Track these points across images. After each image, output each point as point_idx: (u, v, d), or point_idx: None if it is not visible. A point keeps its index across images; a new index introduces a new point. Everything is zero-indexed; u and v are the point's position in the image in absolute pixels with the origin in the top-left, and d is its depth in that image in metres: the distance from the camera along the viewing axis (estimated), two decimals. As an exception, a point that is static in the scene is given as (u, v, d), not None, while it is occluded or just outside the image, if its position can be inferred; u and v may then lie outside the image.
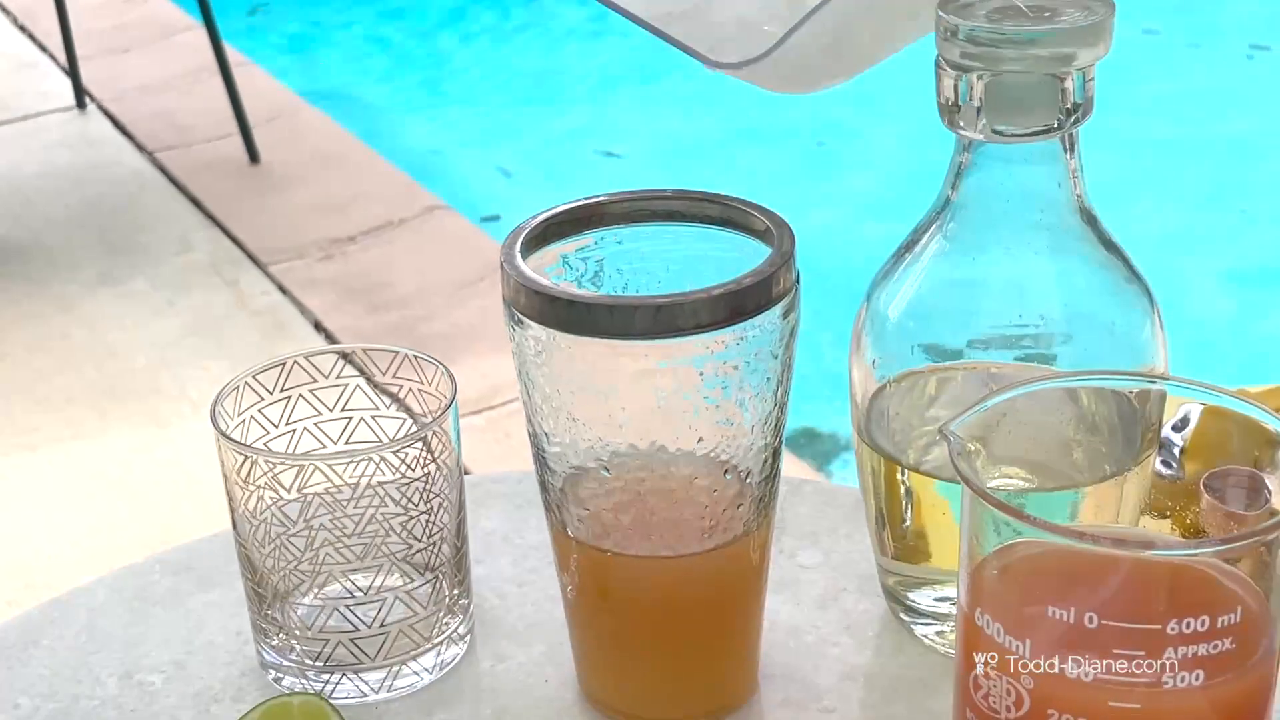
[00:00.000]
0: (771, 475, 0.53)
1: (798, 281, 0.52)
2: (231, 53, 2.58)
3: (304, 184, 2.49)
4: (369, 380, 0.60)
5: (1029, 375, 0.53)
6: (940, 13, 0.52)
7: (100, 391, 1.93)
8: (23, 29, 3.23)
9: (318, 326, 2.07)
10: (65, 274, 2.22)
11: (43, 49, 3.10)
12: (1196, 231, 2.54)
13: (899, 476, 0.57)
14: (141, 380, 1.95)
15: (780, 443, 0.53)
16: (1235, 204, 2.64)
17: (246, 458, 0.55)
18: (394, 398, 0.60)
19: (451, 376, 0.57)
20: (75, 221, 2.38)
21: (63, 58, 2.83)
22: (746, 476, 0.52)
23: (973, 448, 0.46)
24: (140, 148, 2.64)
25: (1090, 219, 0.55)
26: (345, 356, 0.61)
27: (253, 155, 2.55)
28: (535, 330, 0.50)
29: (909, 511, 0.58)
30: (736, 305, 0.49)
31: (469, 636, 0.60)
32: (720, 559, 0.53)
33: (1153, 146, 2.73)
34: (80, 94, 2.81)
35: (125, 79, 2.92)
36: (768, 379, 0.51)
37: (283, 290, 2.16)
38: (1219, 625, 0.43)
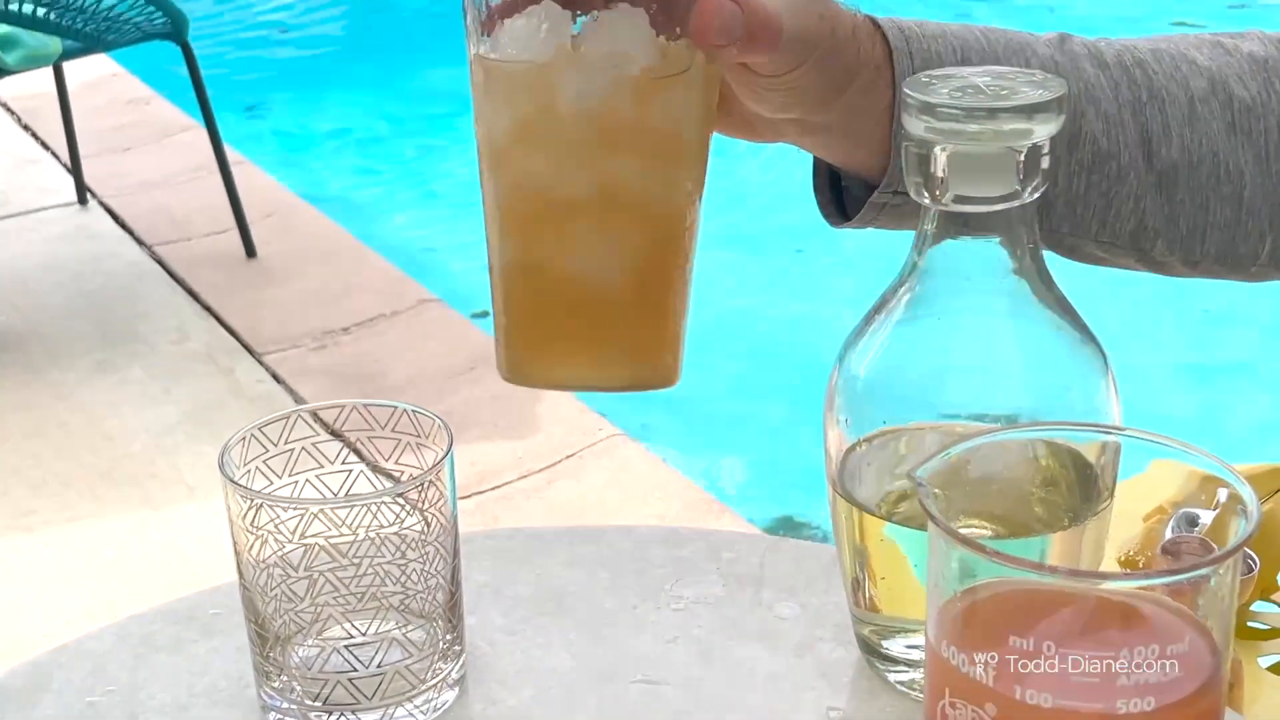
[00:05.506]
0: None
1: None
2: (230, 152, 2.63)
3: (299, 277, 2.53)
4: (368, 435, 0.63)
5: (992, 430, 0.56)
6: (906, 90, 0.56)
7: (97, 476, 1.95)
8: (26, 128, 3.29)
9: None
10: (64, 362, 2.25)
11: (45, 147, 3.16)
12: (1156, 326, 2.59)
13: (871, 528, 0.60)
14: (138, 465, 1.97)
15: None
16: (1196, 301, 2.70)
17: (252, 503, 0.58)
18: (392, 451, 0.63)
19: (448, 428, 0.61)
20: (74, 312, 2.42)
21: (65, 155, 2.88)
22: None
23: (938, 491, 0.50)
24: (140, 241, 2.69)
25: (1048, 282, 0.58)
26: (335, 432, 0.64)
27: (249, 250, 2.60)
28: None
29: (881, 562, 0.61)
30: None
31: (462, 682, 0.62)
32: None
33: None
34: (82, 190, 2.86)
35: (126, 176, 2.98)
36: None
37: (277, 379, 2.19)
38: (1168, 653, 0.46)
